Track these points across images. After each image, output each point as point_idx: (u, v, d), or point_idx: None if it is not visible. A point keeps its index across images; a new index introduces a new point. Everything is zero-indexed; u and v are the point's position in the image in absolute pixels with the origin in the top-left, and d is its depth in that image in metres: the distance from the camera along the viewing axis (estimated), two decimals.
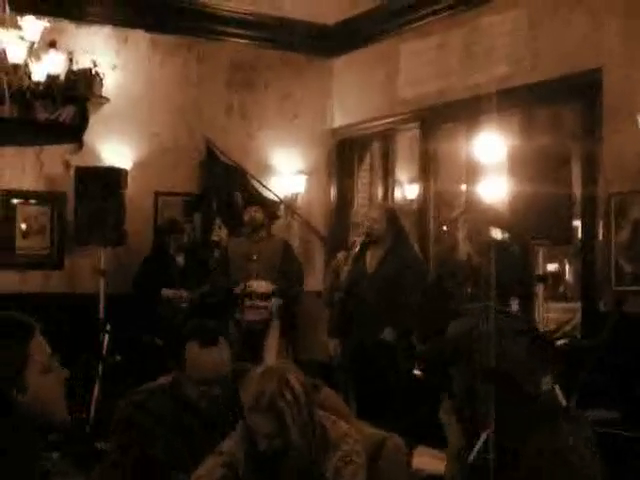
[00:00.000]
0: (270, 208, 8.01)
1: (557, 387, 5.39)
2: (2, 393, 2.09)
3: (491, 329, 2.28)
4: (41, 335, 2.21)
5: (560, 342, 6.35)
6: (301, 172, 9.03)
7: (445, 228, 8.09)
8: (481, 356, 2.28)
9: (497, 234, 7.66)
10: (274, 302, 7.36)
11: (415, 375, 7.09)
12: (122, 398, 3.29)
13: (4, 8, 6.01)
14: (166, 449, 3.16)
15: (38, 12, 6.85)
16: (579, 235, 6.95)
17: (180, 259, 7.64)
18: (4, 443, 2.01)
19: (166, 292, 7.42)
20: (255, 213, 7.47)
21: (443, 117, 8.03)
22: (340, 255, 7.09)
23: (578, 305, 7.04)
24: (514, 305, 6.30)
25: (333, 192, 9.26)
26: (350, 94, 9.09)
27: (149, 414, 3.18)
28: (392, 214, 6.73)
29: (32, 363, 2.16)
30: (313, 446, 2.92)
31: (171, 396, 3.26)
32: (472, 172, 7.91)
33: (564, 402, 5.53)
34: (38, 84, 6.89)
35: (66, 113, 7.54)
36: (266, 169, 8.88)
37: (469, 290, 5.98)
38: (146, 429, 3.17)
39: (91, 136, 7.91)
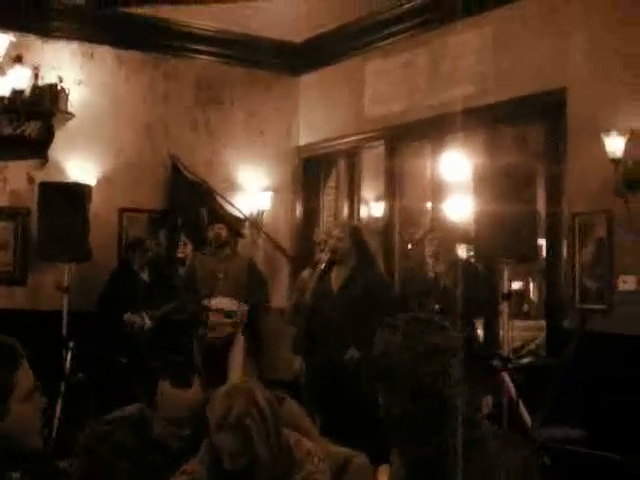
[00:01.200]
0: (235, 226, 8.00)
1: (521, 405, 5.43)
2: None
3: (418, 343, 2.21)
4: (25, 361, 2.19)
5: (525, 360, 6.39)
6: (267, 189, 9.02)
7: (410, 246, 8.12)
8: (406, 375, 2.20)
9: (462, 253, 7.72)
10: (240, 309, 7.34)
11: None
12: (85, 425, 3.21)
13: None
14: (128, 478, 3.11)
15: (4, 26, 6.82)
16: (543, 253, 7.00)
17: (145, 276, 7.60)
18: None
19: (128, 317, 7.37)
20: (219, 230, 7.45)
21: (409, 135, 8.06)
22: (305, 273, 7.08)
23: (543, 323, 7.08)
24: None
25: (299, 209, 9.26)
26: (316, 112, 9.11)
27: (113, 448, 3.11)
28: (357, 232, 6.72)
29: (17, 390, 2.15)
30: (279, 464, 2.91)
31: (137, 430, 3.18)
32: (437, 190, 7.95)
33: (528, 421, 5.56)
34: (3, 99, 6.86)
35: (31, 128, 7.49)
36: (232, 186, 8.86)
37: (436, 307, 6.01)
38: (109, 462, 3.10)
39: (56, 151, 7.85)
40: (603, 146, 5.91)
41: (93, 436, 3.17)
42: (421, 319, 2.31)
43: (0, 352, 2.17)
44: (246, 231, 8.63)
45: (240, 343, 7.36)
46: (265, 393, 2.97)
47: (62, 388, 6.75)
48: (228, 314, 7.34)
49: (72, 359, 6.89)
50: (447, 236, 6.55)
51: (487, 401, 5.78)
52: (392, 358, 2.19)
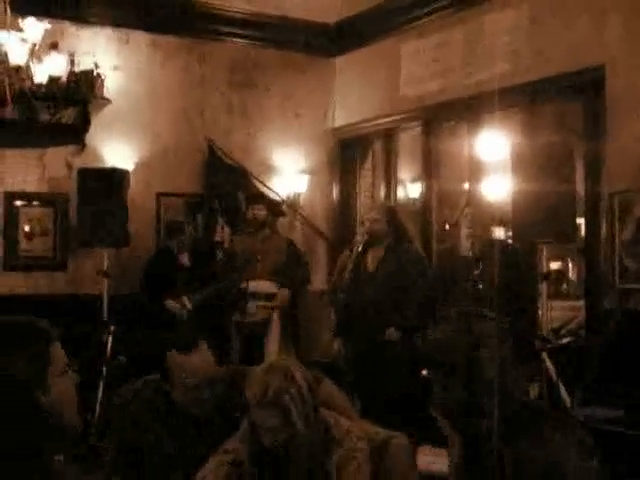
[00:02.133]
0: (274, 206, 8.00)
1: (562, 386, 5.41)
2: (29, 394, 2.10)
3: (470, 334, 2.25)
4: (58, 341, 2.24)
5: (565, 340, 6.35)
6: (303, 171, 9.02)
7: (448, 227, 8.09)
8: (471, 366, 2.24)
9: (500, 233, 7.67)
10: (280, 295, 7.37)
11: (422, 374, 7.09)
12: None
13: (5, 10, 6.00)
14: (156, 443, 3.18)
15: (39, 14, 6.85)
16: (582, 233, 6.94)
17: (185, 260, 7.62)
18: (31, 447, 2.02)
19: (169, 304, 7.39)
20: (258, 212, 7.48)
21: (445, 115, 8.03)
22: (344, 255, 7.09)
23: (582, 303, 7.03)
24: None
25: (335, 191, 9.25)
26: (352, 93, 9.09)
27: (143, 403, 3.27)
28: (392, 213, 6.73)
29: (53, 367, 2.20)
30: (317, 441, 2.93)
31: (161, 392, 3.34)
32: (475, 170, 7.89)
33: (568, 400, 5.54)
34: (40, 86, 6.88)
35: (68, 115, 7.54)
36: (268, 169, 8.87)
37: (479, 285, 5.99)
38: (140, 419, 3.25)
39: (93, 137, 7.90)
40: None
41: (126, 393, 3.35)
42: (470, 312, 2.36)
43: (34, 333, 2.21)
44: (285, 211, 8.64)
45: (277, 326, 7.38)
46: (304, 372, 3.00)
47: (103, 371, 6.83)
48: (267, 297, 7.36)
49: (113, 343, 6.97)
50: (482, 214, 6.51)
51: (534, 387, 5.75)
52: (446, 349, 2.25)
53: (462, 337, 2.26)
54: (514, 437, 2.21)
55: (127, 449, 3.26)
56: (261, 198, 7.98)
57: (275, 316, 7.38)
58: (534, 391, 5.69)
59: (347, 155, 9.25)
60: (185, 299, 7.42)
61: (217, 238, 8.35)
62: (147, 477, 3.23)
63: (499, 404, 2.18)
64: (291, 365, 3.03)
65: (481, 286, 6.01)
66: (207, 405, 3.29)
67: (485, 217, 6.54)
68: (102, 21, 8.07)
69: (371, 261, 6.60)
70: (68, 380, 2.26)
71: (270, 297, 7.38)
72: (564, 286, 9.41)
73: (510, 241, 6.54)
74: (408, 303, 6.37)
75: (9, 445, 1.94)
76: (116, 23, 8.15)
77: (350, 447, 2.97)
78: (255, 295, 7.34)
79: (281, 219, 8.45)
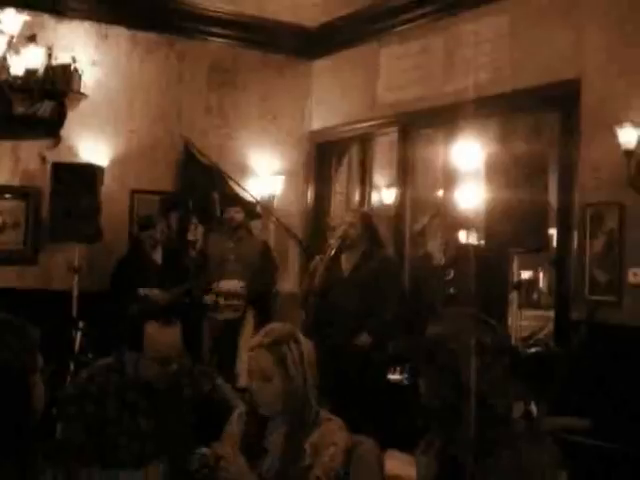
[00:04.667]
0: (250, 208, 7.99)
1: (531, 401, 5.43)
2: (22, 397, 2.15)
3: (471, 339, 2.25)
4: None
5: (533, 350, 6.39)
6: (278, 174, 9.02)
7: (418, 233, 8.11)
8: (456, 368, 2.24)
9: (472, 241, 7.71)
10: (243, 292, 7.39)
11: (390, 380, 7.12)
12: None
13: None
14: (115, 420, 3.38)
15: (18, 6, 6.82)
16: (554, 243, 6.99)
17: (157, 257, 7.59)
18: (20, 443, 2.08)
19: (143, 291, 7.36)
20: (235, 214, 7.47)
21: (422, 123, 8.05)
22: (317, 258, 7.10)
23: (551, 313, 7.08)
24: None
25: (310, 194, 9.26)
26: (329, 97, 9.10)
27: (98, 386, 3.41)
28: (367, 219, 6.75)
29: (36, 366, 2.26)
30: (305, 405, 2.99)
31: (117, 372, 3.46)
32: (449, 178, 7.94)
33: (535, 411, 5.57)
34: (16, 78, 6.86)
35: (44, 108, 7.49)
36: (243, 169, 8.85)
37: (450, 290, 6.02)
38: (97, 399, 3.39)
39: (68, 132, 7.86)
40: (616, 137, 5.89)
41: (83, 378, 3.52)
42: (473, 315, 2.36)
43: (15, 332, 2.24)
44: (261, 213, 8.62)
45: (250, 325, 7.37)
46: (307, 342, 3.08)
47: (72, 368, 6.79)
48: (237, 298, 7.36)
49: (81, 339, 6.93)
50: (452, 223, 6.55)
51: (519, 406, 5.75)
52: (441, 347, 2.25)
53: (461, 336, 2.24)
54: (486, 449, 2.22)
55: (92, 431, 3.34)
56: (237, 200, 7.96)
57: (249, 315, 7.38)
58: (519, 410, 5.70)
59: (323, 159, 9.26)
60: (157, 291, 7.39)
61: (190, 237, 8.33)
62: (108, 451, 3.36)
63: (479, 415, 2.19)
64: (295, 330, 3.11)
65: (452, 291, 6.04)
66: (172, 379, 3.41)
67: (453, 223, 6.58)
68: (81, 15, 8.02)
69: (344, 266, 6.60)
70: (39, 379, 2.28)
71: (239, 297, 7.38)
72: (534, 296, 9.47)
73: (482, 249, 6.59)
74: (381, 309, 6.38)
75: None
76: (95, 18, 8.10)
77: (329, 431, 2.99)
78: (225, 294, 7.35)
79: (255, 221, 8.43)
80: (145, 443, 3.39)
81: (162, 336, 3.36)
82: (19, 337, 2.21)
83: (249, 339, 7.24)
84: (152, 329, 3.35)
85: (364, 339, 6.33)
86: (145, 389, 3.42)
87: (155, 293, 7.39)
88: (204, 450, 2.83)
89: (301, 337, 3.07)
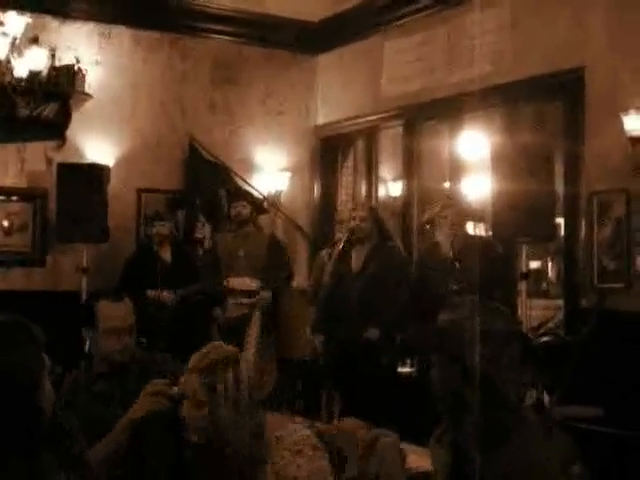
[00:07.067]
0: (257, 203, 7.97)
1: (540, 386, 5.43)
2: (31, 398, 2.14)
3: (479, 326, 2.23)
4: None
5: (543, 339, 6.38)
6: (284, 169, 9.01)
7: (428, 226, 8.10)
8: (468, 354, 2.23)
9: (481, 232, 7.70)
10: (262, 296, 7.33)
11: (400, 374, 7.12)
12: None
13: None
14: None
15: (20, 8, 6.83)
16: (562, 233, 6.97)
17: (167, 256, 7.59)
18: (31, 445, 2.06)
19: (150, 293, 7.35)
20: (242, 209, 7.44)
21: (426, 115, 8.03)
22: (323, 253, 7.10)
23: (560, 302, 7.07)
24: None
25: (316, 190, 9.25)
26: (334, 91, 9.09)
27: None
28: (376, 213, 6.76)
29: (45, 367, 2.23)
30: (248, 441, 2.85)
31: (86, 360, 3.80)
32: (455, 170, 7.92)
33: (546, 399, 5.56)
34: (20, 80, 6.87)
35: (48, 109, 7.50)
36: (249, 166, 8.85)
37: (453, 287, 6.00)
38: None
39: (73, 132, 7.87)
40: (622, 125, 5.87)
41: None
42: (485, 303, 2.34)
43: (23, 331, 2.23)
44: (268, 208, 8.60)
45: (256, 321, 7.34)
46: (249, 369, 2.88)
47: (82, 368, 6.79)
48: (248, 295, 7.33)
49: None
50: (460, 214, 6.53)
51: (532, 393, 5.75)
52: (452, 333, 2.23)
53: (472, 322, 2.22)
54: (498, 438, 2.21)
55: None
56: (243, 195, 7.94)
57: (256, 313, 7.34)
58: (532, 397, 5.69)
59: (329, 153, 9.25)
60: (166, 294, 7.39)
61: (198, 235, 8.33)
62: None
63: (490, 405, 2.17)
64: (245, 355, 3.05)
65: (457, 286, 6.02)
66: (127, 351, 3.62)
67: (461, 214, 6.57)
68: (84, 16, 8.03)
69: (354, 260, 6.60)
70: (46, 379, 2.27)
71: (251, 294, 7.34)
72: (543, 285, 9.46)
73: (491, 239, 6.57)
74: (391, 303, 6.37)
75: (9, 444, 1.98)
76: (98, 18, 8.11)
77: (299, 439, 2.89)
78: (236, 292, 7.32)
79: (262, 217, 8.42)
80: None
81: (113, 310, 3.64)
82: (25, 337, 2.21)
83: (254, 337, 7.27)
84: (103, 305, 3.66)
85: (372, 333, 6.33)
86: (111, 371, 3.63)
87: (165, 295, 7.38)
88: None
89: (245, 360, 2.83)
